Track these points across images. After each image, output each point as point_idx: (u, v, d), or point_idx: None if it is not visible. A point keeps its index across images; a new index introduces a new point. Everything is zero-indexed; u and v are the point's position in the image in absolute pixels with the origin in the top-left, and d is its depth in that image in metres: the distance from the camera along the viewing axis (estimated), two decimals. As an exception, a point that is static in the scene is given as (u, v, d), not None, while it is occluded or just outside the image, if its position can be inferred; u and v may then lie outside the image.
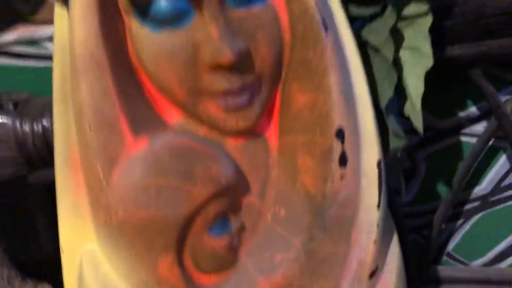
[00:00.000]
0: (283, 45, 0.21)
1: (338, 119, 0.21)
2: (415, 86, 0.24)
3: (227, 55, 0.19)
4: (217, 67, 0.20)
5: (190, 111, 0.22)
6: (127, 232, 0.20)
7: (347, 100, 0.21)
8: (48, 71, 0.43)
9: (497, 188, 0.44)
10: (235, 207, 0.22)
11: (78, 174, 0.22)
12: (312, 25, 0.20)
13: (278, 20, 0.21)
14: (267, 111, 0.23)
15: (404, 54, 0.25)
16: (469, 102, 0.41)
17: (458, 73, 0.36)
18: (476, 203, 0.45)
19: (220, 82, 0.20)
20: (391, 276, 0.23)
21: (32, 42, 0.41)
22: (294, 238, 0.22)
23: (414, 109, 0.24)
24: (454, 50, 0.33)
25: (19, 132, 0.39)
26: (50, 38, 0.41)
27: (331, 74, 0.21)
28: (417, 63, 0.24)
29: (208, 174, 0.21)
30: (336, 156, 0.21)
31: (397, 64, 0.25)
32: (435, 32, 0.31)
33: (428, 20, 0.24)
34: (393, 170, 0.27)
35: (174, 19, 0.20)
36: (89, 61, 0.19)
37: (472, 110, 0.41)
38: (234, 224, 0.22)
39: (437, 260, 0.47)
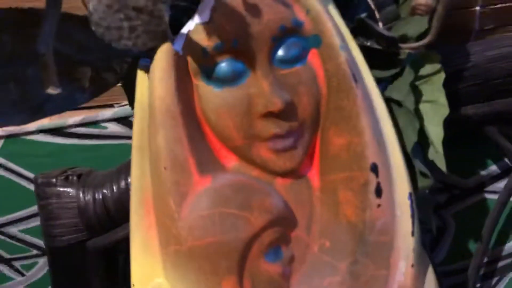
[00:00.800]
0: (320, 97, 0.26)
1: (371, 156, 0.25)
2: (435, 133, 0.28)
3: (277, 104, 0.24)
4: (269, 115, 0.24)
5: (244, 155, 0.26)
6: (196, 257, 0.24)
7: (378, 140, 0.25)
8: (106, 147, 0.48)
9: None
10: (285, 239, 0.25)
11: (150, 214, 0.26)
12: (345, 78, 0.25)
13: (316, 77, 0.26)
14: (308, 155, 0.27)
15: (423, 107, 0.29)
16: (489, 161, 0.44)
17: (475, 132, 0.40)
18: (510, 260, 0.46)
19: (271, 127, 0.25)
20: (430, 302, 0.25)
21: (94, 123, 0.47)
22: (339, 263, 0.25)
23: (436, 152, 0.28)
24: (468, 110, 0.37)
25: (82, 200, 0.43)
26: (109, 120, 0.47)
27: (363, 118, 0.25)
28: (435, 113, 0.29)
29: (262, 205, 0.24)
30: (372, 188, 0.25)
31: (418, 116, 0.29)
32: (450, 94, 0.36)
33: (441, 76, 0.29)
34: (423, 207, 0.30)
35: (233, 78, 0.25)
36: (166, 113, 0.24)
37: (493, 168, 0.44)
38: (285, 253, 0.25)
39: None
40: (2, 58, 0.22)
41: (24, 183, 0.49)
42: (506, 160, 0.42)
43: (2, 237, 0.52)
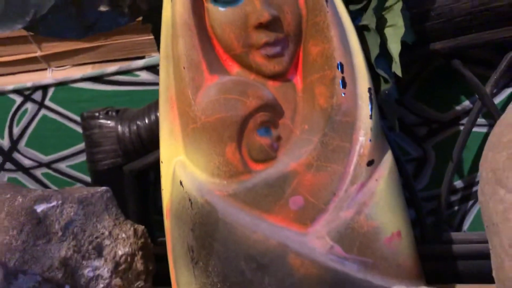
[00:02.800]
0: (301, 17, 0.34)
1: (338, 57, 0.33)
2: (395, 48, 0.36)
3: (265, 16, 0.32)
4: (260, 26, 0.33)
5: (243, 62, 0.34)
6: (207, 130, 0.32)
7: (344, 45, 0.33)
8: (137, 93, 0.57)
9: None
10: (274, 123, 0.34)
11: (173, 109, 0.34)
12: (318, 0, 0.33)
13: (297, 1, 0.34)
14: (293, 64, 0.35)
15: (387, 30, 0.37)
16: (463, 97, 0.52)
17: (444, 66, 0.47)
18: (482, 184, 0.53)
19: (262, 37, 0.33)
20: (384, 170, 0.33)
21: (128, 71, 0.56)
22: (313, 137, 0.33)
23: (395, 63, 0.36)
24: (436, 45, 0.45)
25: (119, 130, 0.52)
26: (141, 69, 0.56)
27: (332, 29, 0.33)
28: (395, 33, 0.36)
29: (256, 93, 0.33)
30: (338, 81, 0.33)
31: (383, 38, 0.37)
32: (419, 32, 0.44)
33: (400, 4, 0.37)
34: (386, 104, 0.37)
35: (233, 1, 0.33)
36: (184, 26, 0.33)
37: (466, 103, 0.51)
38: (274, 133, 0.33)
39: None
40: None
41: (71, 125, 0.59)
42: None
43: (52, 172, 0.61)
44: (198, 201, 0.32)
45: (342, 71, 0.33)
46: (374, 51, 0.36)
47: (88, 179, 0.60)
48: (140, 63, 0.56)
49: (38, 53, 0.56)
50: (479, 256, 0.45)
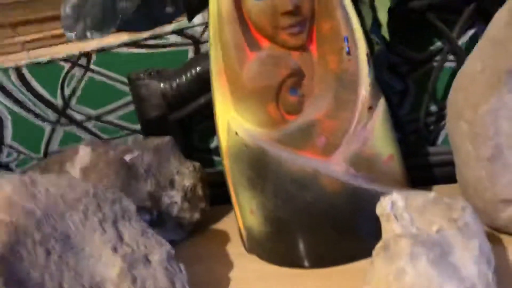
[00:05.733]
0: (313, 2, 0.45)
1: (344, 32, 0.45)
2: (383, 17, 0.48)
3: (289, 6, 0.44)
4: (286, 13, 0.44)
5: (273, 39, 0.46)
6: (253, 94, 0.45)
7: (347, 23, 0.45)
8: (169, 54, 0.68)
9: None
10: (299, 84, 0.46)
11: (223, 79, 0.46)
12: (327, -11, 0.45)
13: (311, -12, 0.45)
14: (310, 37, 0.46)
15: (376, 1, 0.49)
16: (435, 39, 0.64)
17: (420, 19, 0.59)
18: (452, 107, 0.67)
19: (287, 20, 0.44)
20: (380, 112, 0.46)
21: (160, 36, 0.67)
22: (328, 93, 0.45)
23: (384, 28, 0.48)
24: (414, 3, 0.57)
25: (162, 87, 0.64)
26: (170, 33, 0.67)
27: (338, 11, 0.45)
28: (382, 4, 0.48)
29: (286, 64, 0.45)
30: (345, 50, 0.45)
31: (372, 8, 0.49)
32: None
33: (386, -17, 0.48)
34: (379, 63, 0.50)
35: (266, -5, 0.45)
36: (228, 16, 0.44)
37: (438, 44, 0.64)
38: (299, 91, 0.46)
39: (431, 150, 0.68)
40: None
41: (114, 83, 0.70)
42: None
43: (101, 124, 0.73)
44: (252, 146, 0.45)
45: (347, 43, 0.45)
46: (368, 22, 0.48)
47: (133, 127, 0.73)
48: (169, 28, 0.66)
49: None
50: (449, 164, 0.59)
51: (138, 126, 0.71)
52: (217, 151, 0.72)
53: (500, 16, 0.42)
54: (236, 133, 0.46)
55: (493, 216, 0.42)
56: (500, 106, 0.40)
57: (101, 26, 0.39)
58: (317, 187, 0.44)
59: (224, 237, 0.55)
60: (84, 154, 0.51)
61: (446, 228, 0.33)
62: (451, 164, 0.52)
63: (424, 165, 0.62)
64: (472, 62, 0.44)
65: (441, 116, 0.67)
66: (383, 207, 0.37)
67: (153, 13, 0.44)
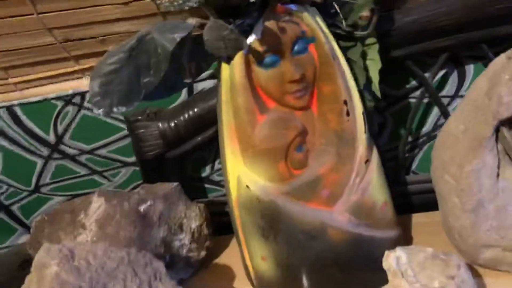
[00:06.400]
0: (316, 68, 0.50)
1: (343, 95, 0.50)
2: (375, 76, 0.54)
3: (296, 76, 0.48)
4: (293, 81, 0.49)
5: (280, 101, 0.50)
6: (264, 154, 0.49)
7: (346, 87, 0.50)
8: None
9: (435, 126, 0.73)
10: (304, 141, 0.51)
11: (234, 138, 0.50)
12: (328, 58, 0.49)
13: (314, 58, 0.50)
14: (311, 97, 0.51)
15: (368, 63, 0.54)
16: (411, 79, 0.71)
17: (400, 65, 0.65)
18: (425, 138, 0.74)
19: (294, 87, 0.49)
20: (374, 164, 0.52)
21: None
22: (330, 148, 0.51)
23: (375, 87, 0.54)
24: (396, 52, 0.62)
25: (161, 128, 0.67)
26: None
27: (338, 78, 0.49)
28: (374, 66, 0.54)
29: (293, 126, 0.50)
30: (344, 112, 0.50)
31: (365, 68, 0.54)
32: (386, 45, 0.61)
33: (376, 46, 0.53)
34: (370, 117, 0.56)
35: (272, 64, 0.48)
36: (241, 84, 0.48)
37: (413, 83, 0.71)
38: (304, 148, 0.51)
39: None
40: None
41: (107, 119, 0.72)
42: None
43: (95, 157, 0.75)
44: (264, 199, 0.50)
45: (346, 105, 0.50)
46: (362, 81, 0.53)
47: (125, 159, 0.75)
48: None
49: (76, 67, 0.67)
50: (426, 192, 0.66)
51: (131, 159, 0.74)
52: (208, 179, 0.76)
53: (480, 83, 0.48)
54: (248, 187, 0.50)
55: (475, 257, 0.49)
56: (482, 166, 0.47)
57: (127, 101, 0.42)
58: (325, 237, 0.49)
59: (228, 272, 0.60)
60: (98, 205, 0.54)
61: (446, 284, 0.39)
62: (428, 192, 0.58)
63: (404, 193, 0.69)
64: (455, 122, 0.50)
65: (415, 145, 0.74)
66: (389, 262, 0.42)
67: (171, 83, 0.47)
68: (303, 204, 0.50)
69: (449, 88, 0.71)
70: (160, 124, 0.66)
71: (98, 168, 0.76)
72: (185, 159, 0.72)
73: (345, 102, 0.50)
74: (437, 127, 0.73)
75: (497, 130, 0.48)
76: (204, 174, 0.77)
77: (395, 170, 0.72)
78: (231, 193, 0.52)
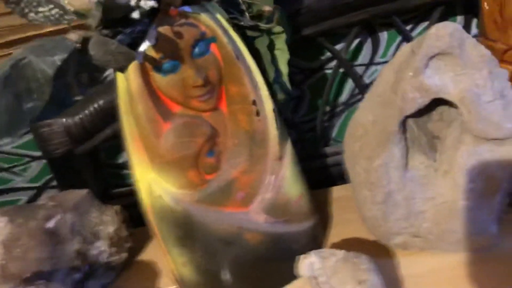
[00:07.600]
0: (220, 68, 0.47)
1: (251, 96, 0.48)
2: (284, 68, 0.52)
3: (199, 81, 0.45)
4: (196, 86, 0.46)
5: (185, 105, 0.47)
6: (173, 163, 0.47)
7: (254, 86, 0.48)
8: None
9: (352, 95, 0.73)
10: (215, 144, 0.49)
11: (139, 147, 0.47)
12: (231, 57, 0.46)
13: (217, 58, 0.46)
14: (219, 98, 0.49)
15: (276, 52, 0.52)
16: (325, 51, 0.69)
17: (312, 41, 0.63)
18: (342, 107, 0.74)
19: (197, 91, 0.46)
20: (288, 160, 0.51)
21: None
22: (242, 149, 0.49)
23: (284, 79, 0.52)
24: (307, 30, 0.60)
25: (65, 124, 0.62)
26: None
27: (244, 77, 0.47)
28: (282, 56, 0.51)
29: (201, 132, 0.47)
30: (254, 112, 0.48)
31: (274, 59, 0.52)
32: (297, 24, 0.58)
33: (283, 35, 0.51)
34: (284, 108, 0.54)
35: (172, 70, 0.45)
36: (139, 92, 0.45)
37: (328, 54, 0.69)
38: (215, 151, 0.49)
39: (327, 144, 0.76)
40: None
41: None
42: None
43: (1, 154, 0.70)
44: (177, 209, 0.48)
45: (255, 105, 0.48)
46: (271, 74, 0.51)
47: (32, 153, 0.71)
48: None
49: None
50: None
51: (38, 153, 0.70)
52: (124, 165, 0.74)
53: (387, 74, 0.48)
54: (161, 196, 0.49)
55: (387, 242, 0.51)
56: (390, 159, 0.47)
57: (11, 131, 0.38)
58: (242, 242, 0.49)
59: (153, 268, 0.59)
60: (2, 225, 0.50)
61: (357, 289, 0.41)
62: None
63: (324, 166, 0.70)
64: (364, 113, 0.50)
65: (332, 115, 0.74)
66: (302, 269, 0.43)
67: (60, 101, 0.43)
68: (218, 210, 0.49)
69: (364, 56, 0.70)
70: (64, 120, 0.61)
71: (5, 165, 0.71)
72: (97, 150, 0.68)
73: (254, 102, 0.48)
74: (354, 95, 0.73)
75: (404, 121, 0.48)
76: (121, 160, 0.74)
77: (315, 141, 0.73)
78: (144, 202, 0.50)
